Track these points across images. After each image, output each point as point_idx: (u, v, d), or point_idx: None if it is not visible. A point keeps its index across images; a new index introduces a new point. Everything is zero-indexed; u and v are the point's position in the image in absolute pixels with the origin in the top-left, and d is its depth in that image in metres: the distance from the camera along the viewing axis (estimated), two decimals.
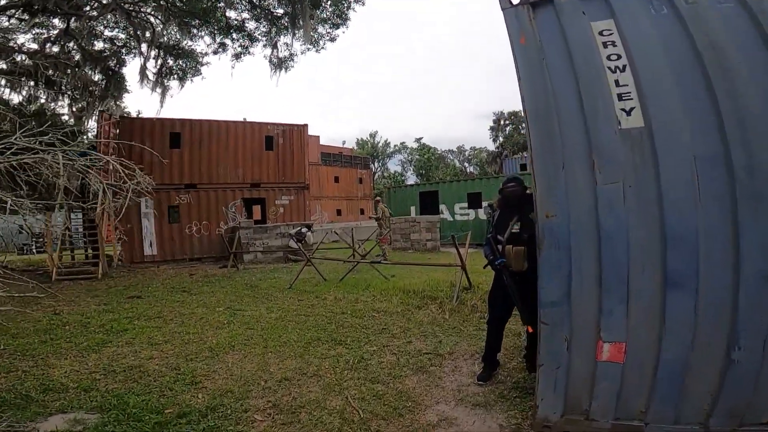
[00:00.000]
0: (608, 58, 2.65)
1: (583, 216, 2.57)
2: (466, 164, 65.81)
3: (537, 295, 2.68)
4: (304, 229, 12.44)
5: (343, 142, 50.07)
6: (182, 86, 16.91)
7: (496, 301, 3.77)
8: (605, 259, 2.52)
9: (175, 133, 14.15)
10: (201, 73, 16.87)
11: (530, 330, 3.38)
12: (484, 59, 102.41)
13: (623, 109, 2.57)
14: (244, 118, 15.44)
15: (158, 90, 15.31)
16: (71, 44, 13.23)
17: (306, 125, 16.34)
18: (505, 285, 3.47)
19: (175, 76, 15.85)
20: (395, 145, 65.41)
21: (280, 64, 12.89)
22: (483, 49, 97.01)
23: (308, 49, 12.56)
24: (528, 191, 3.53)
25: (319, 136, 40.91)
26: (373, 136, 64.51)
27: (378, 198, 13.15)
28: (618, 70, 2.62)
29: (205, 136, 14.53)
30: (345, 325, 5.53)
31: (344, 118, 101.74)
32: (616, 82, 2.61)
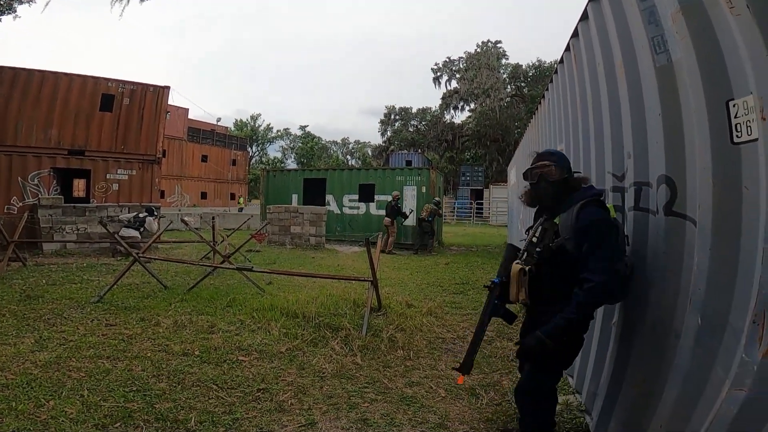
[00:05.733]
0: None
1: None
2: (349, 157, 65.01)
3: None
4: (143, 214, 9.08)
5: (218, 120, 43.97)
6: None
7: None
8: None
9: None
10: (14, 11, 11.90)
11: (460, 381, 2.59)
12: (375, 56, 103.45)
13: None
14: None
15: None
16: None
17: (167, 88, 12.66)
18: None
19: None
20: (278, 131, 61.10)
21: None
22: (375, 47, 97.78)
23: None
24: (573, 175, 2.24)
25: (188, 109, 35.21)
26: (254, 118, 59.17)
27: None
28: None
29: (4, 86, 10.25)
30: (187, 381, 3.16)
31: (224, 97, 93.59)
32: None
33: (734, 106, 1.43)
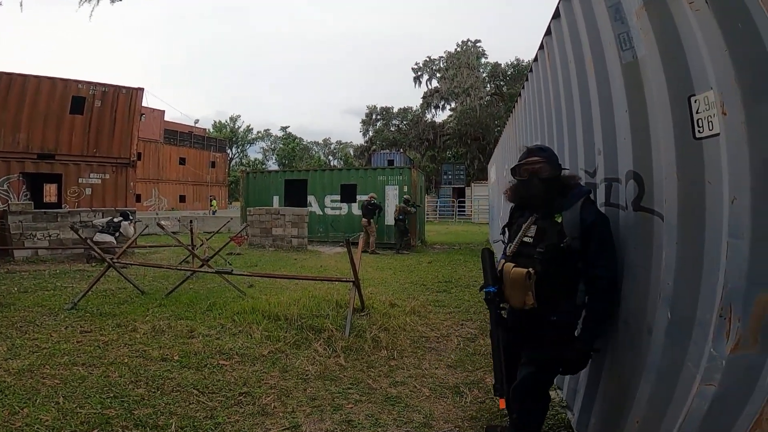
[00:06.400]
0: None
1: None
2: (331, 157, 64.69)
3: (534, 353, 2.11)
4: (118, 218, 8.84)
5: (196, 121, 43.15)
6: None
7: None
8: None
9: None
10: None
11: (502, 405, 2.18)
12: (356, 56, 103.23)
13: None
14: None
15: None
16: None
17: (141, 89, 12.39)
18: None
19: None
20: (258, 132, 60.34)
21: None
22: (356, 47, 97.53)
23: None
24: (564, 172, 2.21)
25: (164, 111, 34.54)
26: (234, 119, 58.32)
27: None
28: None
29: None
30: (167, 386, 3.08)
31: (202, 99, 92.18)
32: None
33: (695, 101, 1.47)
